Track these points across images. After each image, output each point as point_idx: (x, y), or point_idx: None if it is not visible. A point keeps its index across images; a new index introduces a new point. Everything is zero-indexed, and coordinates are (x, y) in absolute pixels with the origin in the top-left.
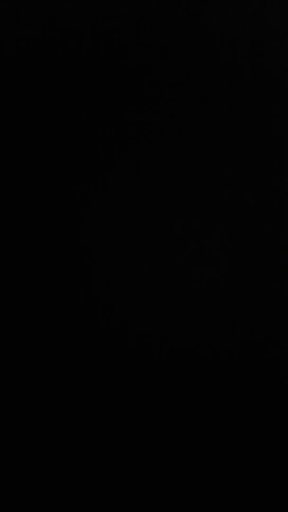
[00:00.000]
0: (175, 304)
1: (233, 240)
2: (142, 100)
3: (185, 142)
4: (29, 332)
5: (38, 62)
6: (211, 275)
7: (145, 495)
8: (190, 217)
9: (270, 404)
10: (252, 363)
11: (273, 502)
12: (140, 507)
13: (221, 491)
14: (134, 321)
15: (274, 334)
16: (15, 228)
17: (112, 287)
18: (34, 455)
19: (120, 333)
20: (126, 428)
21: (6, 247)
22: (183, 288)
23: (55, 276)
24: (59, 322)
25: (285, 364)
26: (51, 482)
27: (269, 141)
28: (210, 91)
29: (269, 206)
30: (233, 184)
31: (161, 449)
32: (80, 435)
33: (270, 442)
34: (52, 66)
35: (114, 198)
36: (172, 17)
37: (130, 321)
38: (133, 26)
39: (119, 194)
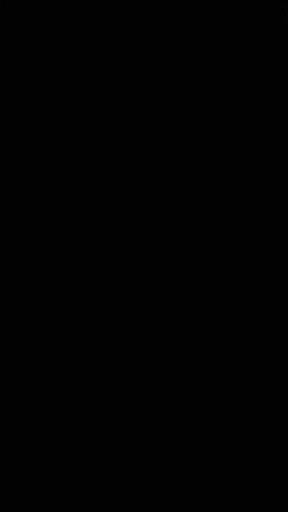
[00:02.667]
0: (174, 303)
1: (234, 238)
2: (142, 100)
3: (185, 140)
4: (28, 332)
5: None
6: (211, 274)
7: (145, 495)
8: (191, 216)
9: (270, 405)
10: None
11: (273, 502)
12: (140, 507)
13: (221, 491)
14: (134, 321)
15: (274, 335)
16: (15, 228)
17: (111, 287)
18: (34, 455)
19: (119, 334)
20: (126, 429)
21: (6, 247)
22: (183, 288)
23: (55, 275)
24: (59, 321)
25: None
26: (51, 482)
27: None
28: (210, 89)
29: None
30: (234, 182)
31: (161, 449)
32: (79, 436)
33: (270, 443)
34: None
35: (114, 194)
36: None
37: (129, 321)
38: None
39: (118, 191)
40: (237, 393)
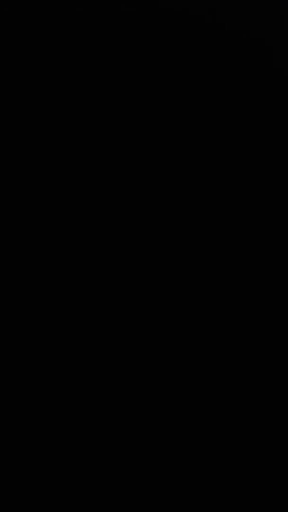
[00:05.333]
0: (175, 304)
1: (234, 239)
2: (142, 100)
3: (185, 140)
4: (28, 332)
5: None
6: (211, 275)
7: (145, 495)
8: (191, 217)
9: (270, 407)
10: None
11: (273, 502)
12: (140, 507)
13: (221, 491)
14: (134, 321)
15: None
16: (15, 228)
17: (111, 289)
18: (34, 455)
19: (120, 334)
20: (125, 430)
21: (6, 247)
22: (184, 289)
23: (54, 275)
24: (58, 321)
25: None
26: (51, 482)
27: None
28: (210, 89)
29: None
30: (234, 182)
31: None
32: (79, 437)
33: (270, 444)
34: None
35: (114, 195)
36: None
37: (129, 321)
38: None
39: (119, 191)
40: (237, 393)
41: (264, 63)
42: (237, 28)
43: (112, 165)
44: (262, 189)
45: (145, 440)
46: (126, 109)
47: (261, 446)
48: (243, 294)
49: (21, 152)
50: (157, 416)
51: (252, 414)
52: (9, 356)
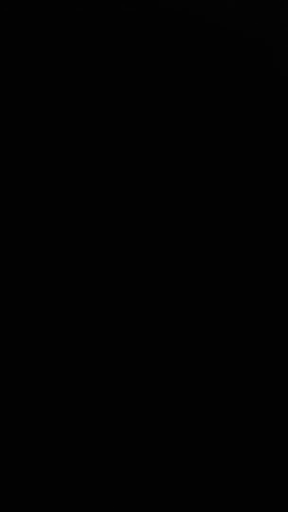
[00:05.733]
0: (174, 304)
1: (233, 238)
2: (142, 100)
3: (185, 141)
4: (29, 332)
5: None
6: (211, 274)
7: (145, 495)
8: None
9: (270, 405)
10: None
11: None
12: (140, 507)
13: (221, 491)
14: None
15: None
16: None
17: (111, 289)
18: (34, 455)
19: (120, 334)
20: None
21: (6, 247)
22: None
23: (55, 276)
24: (59, 321)
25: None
26: (51, 482)
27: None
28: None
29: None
30: (234, 182)
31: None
32: (80, 436)
33: (270, 443)
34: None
35: (114, 196)
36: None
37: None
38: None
39: (119, 192)
40: (237, 393)
41: (264, 63)
42: (237, 28)
43: (112, 165)
44: (262, 189)
45: (145, 439)
46: (126, 109)
47: (261, 446)
48: (242, 293)
49: (21, 152)
50: (156, 415)
51: (251, 414)
52: (9, 355)
